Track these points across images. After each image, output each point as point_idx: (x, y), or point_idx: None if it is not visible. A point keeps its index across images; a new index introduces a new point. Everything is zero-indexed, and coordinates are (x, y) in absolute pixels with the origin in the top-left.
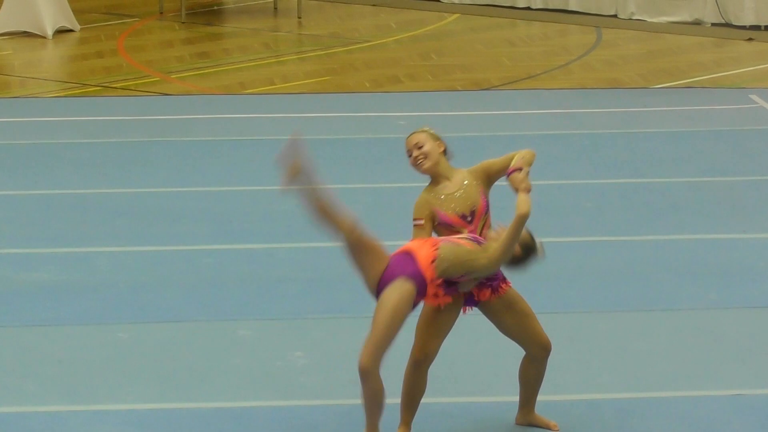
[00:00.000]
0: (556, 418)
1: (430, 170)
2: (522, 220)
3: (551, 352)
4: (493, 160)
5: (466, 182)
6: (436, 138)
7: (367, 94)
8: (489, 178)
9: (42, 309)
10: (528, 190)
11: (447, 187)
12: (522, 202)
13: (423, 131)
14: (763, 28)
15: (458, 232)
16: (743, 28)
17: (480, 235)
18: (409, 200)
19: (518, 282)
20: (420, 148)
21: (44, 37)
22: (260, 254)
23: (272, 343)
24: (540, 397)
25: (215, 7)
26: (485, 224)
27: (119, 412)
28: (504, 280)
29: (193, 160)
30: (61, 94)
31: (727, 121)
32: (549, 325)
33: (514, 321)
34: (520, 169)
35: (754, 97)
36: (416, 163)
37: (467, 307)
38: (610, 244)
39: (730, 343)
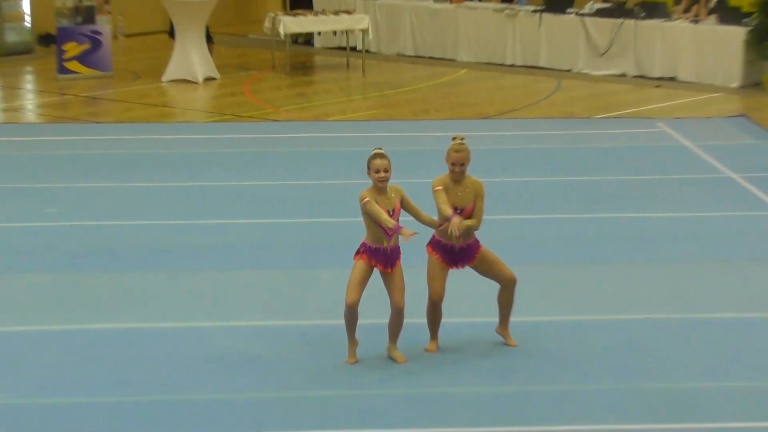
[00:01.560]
0: (524, 332)
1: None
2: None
3: (517, 284)
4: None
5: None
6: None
7: (408, 121)
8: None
9: (192, 260)
10: (456, 227)
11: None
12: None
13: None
14: (666, 78)
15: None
16: (653, 78)
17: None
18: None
19: (504, 244)
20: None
21: (196, 83)
22: (336, 225)
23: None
24: (514, 319)
25: (309, 64)
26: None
27: (236, 327)
28: (478, 248)
29: (295, 163)
30: (208, 120)
31: (642, 140)
32: (527, 273)
33: (488, 268)
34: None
35: (659, 124)
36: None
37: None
38: (561, 220)
39: (643, 287)
